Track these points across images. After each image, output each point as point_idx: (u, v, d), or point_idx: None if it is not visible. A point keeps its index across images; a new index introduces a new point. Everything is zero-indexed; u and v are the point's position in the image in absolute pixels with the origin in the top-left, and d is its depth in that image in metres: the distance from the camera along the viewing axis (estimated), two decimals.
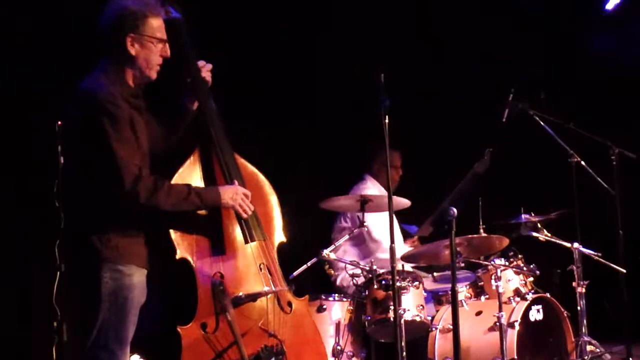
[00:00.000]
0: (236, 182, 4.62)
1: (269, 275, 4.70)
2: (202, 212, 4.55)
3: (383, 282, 6.02)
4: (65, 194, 4.48)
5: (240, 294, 4.57)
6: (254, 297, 4.59)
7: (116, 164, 4.13)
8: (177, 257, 4.50)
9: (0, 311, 6.19)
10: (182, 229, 4.51)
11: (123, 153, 4.14)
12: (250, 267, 4.66)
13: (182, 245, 4.50)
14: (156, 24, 4.36)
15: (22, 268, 6.26)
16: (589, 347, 6.47)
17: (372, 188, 7.14)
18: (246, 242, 4.64)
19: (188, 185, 4.42)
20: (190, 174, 4.62)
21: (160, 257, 4.46)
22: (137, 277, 4.26)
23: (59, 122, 4.74)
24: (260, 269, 4.69)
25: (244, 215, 4.60)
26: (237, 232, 4.64)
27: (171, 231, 4.50)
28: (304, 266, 6.14)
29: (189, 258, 4.51)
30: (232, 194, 4.53)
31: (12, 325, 6.27)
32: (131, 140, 4.21)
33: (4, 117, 6.20)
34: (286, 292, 4.79)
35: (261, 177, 4.92)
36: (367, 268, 6.16)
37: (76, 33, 6.36)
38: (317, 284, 6.65)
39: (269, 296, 4.66)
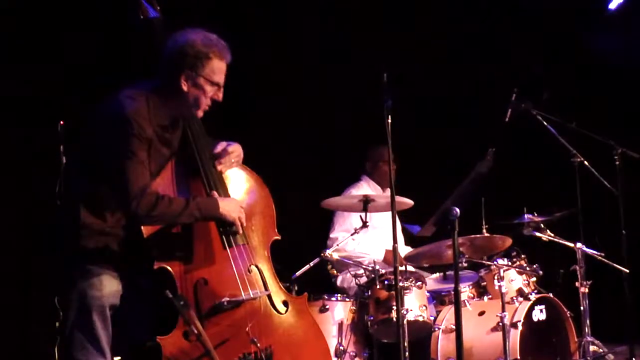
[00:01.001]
0: (215, 193, 4.50)
1: (259, 277, 4.61)
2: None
3: (386, 282, 6.02)
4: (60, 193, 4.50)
5: (224, 300, 4.44)
6: (237, 302, 4.47)
7: (124, 179, 4.16)
8: (155, 266, 4.36)
9: (3, 311, 6.19)
10: (158, 238, 4.38)
11: (133, 169, 4.17)
12: (236, 270, 4.52)
13: (160, 254, 4.38)
14: (217, 67, 4.33)
15: (25, 268, 6.26)
16: (592, 347, 6.47)
17: (365, 188, 7.14)
18: (224, 248, 4.52)
19: (187, 199, 4.35)
20: (163, 182, 4.44)
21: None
22: (106, 279, 4.29)
23: (62, 122, 4.75)
24: (250, 271, 4.57)
25: (240, 230, 4.52)
26: (217, 238, 4.52)
27: (147, 240, 4.37)
28: (307, 266, 6.14)
29: (167, 267, 4.38)
30: (232, 207, 4.46)
31: (14, 325, 6.27)
32: (144, 160, 4.23)
33: (6, 116, 6.21)
34: (281, 292, 4.69)
35: (252, 175, 4.81)
36: (370, 268, 6.16)
37: (77, 34, 6.40)
38: (320, 284, 6.64)
39: (258, 299, 4.56)
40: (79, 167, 4.41)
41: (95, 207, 4.26)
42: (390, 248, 6.64)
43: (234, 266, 4.53)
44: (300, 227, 6.86)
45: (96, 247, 4.26)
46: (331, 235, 6.94)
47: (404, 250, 6.97)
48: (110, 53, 6.50)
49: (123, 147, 4.17)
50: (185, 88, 4.31)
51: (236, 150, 4.66)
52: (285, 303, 4.70)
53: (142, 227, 4.35)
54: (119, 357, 4.50)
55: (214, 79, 4.34)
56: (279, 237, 4.81)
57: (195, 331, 4.29)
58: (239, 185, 4.69)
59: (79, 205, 4.27)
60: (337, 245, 6.43)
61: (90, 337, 4.26)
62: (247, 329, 4.49)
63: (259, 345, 4.46)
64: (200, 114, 4.42)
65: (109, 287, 4.30)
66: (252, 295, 4.52)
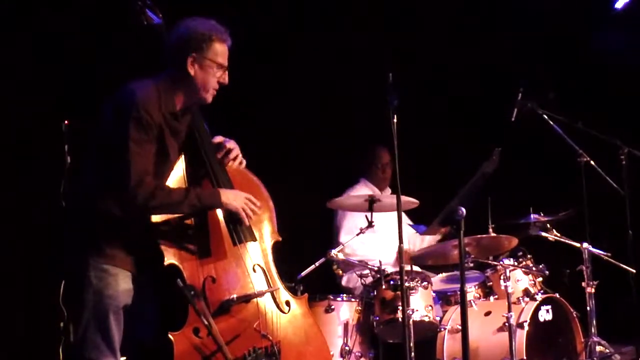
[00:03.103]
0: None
1: (263, 276, 4.65)
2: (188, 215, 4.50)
3: (391, 282, 6.01)
4: (70, 193, 4.51)
5: (233, 296, 4.48)
6: (246, 298, 4.52)
7: (124, 164, 4.18)
8: (165, 263, 4.39)
9: (8, 311, 6.19)
10: (169, 234, 4.42)
11: (135, 156, 4.19)
12: (243, 268, 4.58)
13: (170, 251, 4.41)
14: (220, 50, 4.43)
15: (29, 268, 6.26)
16: (598, 348, 6.45)
17: (363, 189, 7.12)
18: (234, 244, 4.57)
19: (187, 188, 4.41)
20: (173, 181, 4.49)
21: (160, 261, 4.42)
22: (122, 279, 4.31)
23: (66, 122, 4.74)
24: (254, 270, 4.63)
25: (246, 221, 4.55)
26: (226, 235, 4.57)
27: (158, 236, 4.40)
28: (312, 266, 6.13)
29: (177, 263, 4.41)
30: (234, 196, 4.50)
31: (19, 325, 6.27)
32: (147, 148, 4.25)
33: (11, 116, 6.21)
34: (283, 291, 4.72)
35: (252, 177, 4.83)
36: (376, 268, 6.15)
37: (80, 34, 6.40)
38: (324, 284, 6.63)
39: (263, 296, 4.60)
40: (89, 166, 4.43)
41: (108, 207, 4.26)
42: (391, 251, 6.68)
43: (244, 263, 4.58)
44: (305, 227, 6.86)
45: (110, 247, 4.28)
46: (340, 240, 6.89)
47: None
48: (115, 55, 6.50)
49: (126, 135, 4.19)
50: (192, 72, 4.37)
51: (235, 148, 4.71)
52: (287, 303, 4.73)
53: (153, 225, 4.37)
54: (124, 358, 4.50)
55: (219, 60, 4.41)
56: (280, 239, 4.83)
57: (205, 322, 4.31)
58: (241, 188, 4.69)
59: (92, 205, 4.29)
60: (343, 246, 6.42)
61: (104, 337, 4.27)
62: (255, 325, 4.53)
63: (271, 338, 4.51)
64: (209, 98, 4.46)
65: (124, 286, 4.33)
66: (262, 291, 4.58)
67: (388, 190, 7.23)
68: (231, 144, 4.70)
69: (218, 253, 4.55)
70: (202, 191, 4.44)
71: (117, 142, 4.21)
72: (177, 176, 4.52)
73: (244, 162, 4.73)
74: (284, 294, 4.74)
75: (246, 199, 4.54)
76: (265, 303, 4.61)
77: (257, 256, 4.67)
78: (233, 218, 4.55)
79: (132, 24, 4.65)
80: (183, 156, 4.56)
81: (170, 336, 4.33)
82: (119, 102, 4.29)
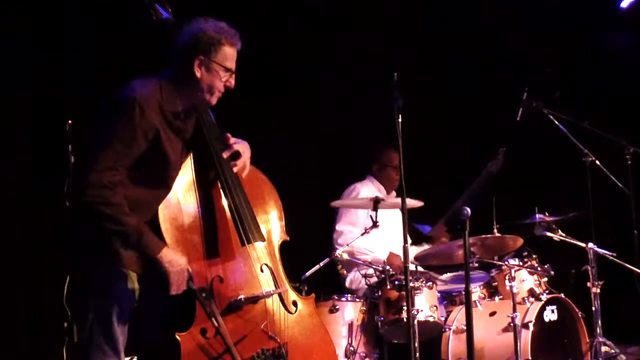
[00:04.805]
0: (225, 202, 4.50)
1: (270, 276, 4.64)
2: (196, 216, 4.47)
3: (396, 282, 6.00)
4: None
5: (240, 297, 4.47)
6: (254, 299, 4.50)
7: (95, 155, 4.13)
8: None
9: (11, 312, 6.19)
10: (176, 234, 4.39)
11: (111, 153, 4.12)
12: (250, 269, 4.56)
13: (178, 250, 4.36)
14: (229, 53, 4.38)
15: (33, 268, 6.26)
16: (603, 348, 6.43)
17: (370, 186, 7.11)
18: (242, 244, 4.54)
19: (139, 228, 4.20)
20: (182, 181, 4.46)
21: None
22: (126, 279, 4.28)
23: (69, 122, 4.73)
24: (262, 270, 4.61)
25: (173, 291, 4.31)
26: (234, 235, 4.54)
27: (165, 236, 4.37)
28: (317, 266, 6.12)
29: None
30: (174, 262, 4.28)
31: (22, 325, 6.27)
32: (130, 148, 4.17)
33: (14, 116, 6.21)
34: (290, 291, 4.71)
35: (261, 176, 4.82)
36: (380, 268, 6.14)
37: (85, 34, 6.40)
38: (329, 285, 6.62)
39: (271, 297, 4.59)
40: None
41: None
42: (394, 250, 6.68)
43: (252, 263, 4.57)
44: (309, 228, 6.85)
45: (115, 247, 4.23)
46: (337, 228, 6.91)
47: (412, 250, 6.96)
48: (123, 53, 6.50)
49: (114, 129, 4.14)
50: (198, 74, 4.33)
51: (247, 151, 4.66)
52: (295, 303, 4.72)
53: (161, 225, 4.34)
54: (129, 358, 4.49)
55: (226, 64, 4.37)
56: (287, 239, 4.82)
57: (216, 324, 4.29)
58: (250, 187, 4.68)
59: None
60: (345, 241, 6.42)
61: (108, 338, 4.24)
62: (262, 326, 4.51)
63: (278, 340, 4.50)
64: (213, 101, 4.41)
65: (128, 286, 4.29)
66: (270, 292, 4.57)
67: (393, 193, 7.21)
68: (241, 147, 4.61)
69: (226, 253, 4.52)
70: (148, 236, 4.23)
71: (103, 134, 4.15)
72: (186, 178, 4.48)
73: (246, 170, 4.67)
74: (291, 294, 4.73)
75: (183, 274, 4.32)
76: (272, 303, 4.59)
77: (265, 256, 4.65)
78: (241, 218, 4.53)
79: (140, 19, 4.63)
80: (191, 156, 4.52)
81: (177, 336, 4.32)
82: (118, 99, 4.24)
